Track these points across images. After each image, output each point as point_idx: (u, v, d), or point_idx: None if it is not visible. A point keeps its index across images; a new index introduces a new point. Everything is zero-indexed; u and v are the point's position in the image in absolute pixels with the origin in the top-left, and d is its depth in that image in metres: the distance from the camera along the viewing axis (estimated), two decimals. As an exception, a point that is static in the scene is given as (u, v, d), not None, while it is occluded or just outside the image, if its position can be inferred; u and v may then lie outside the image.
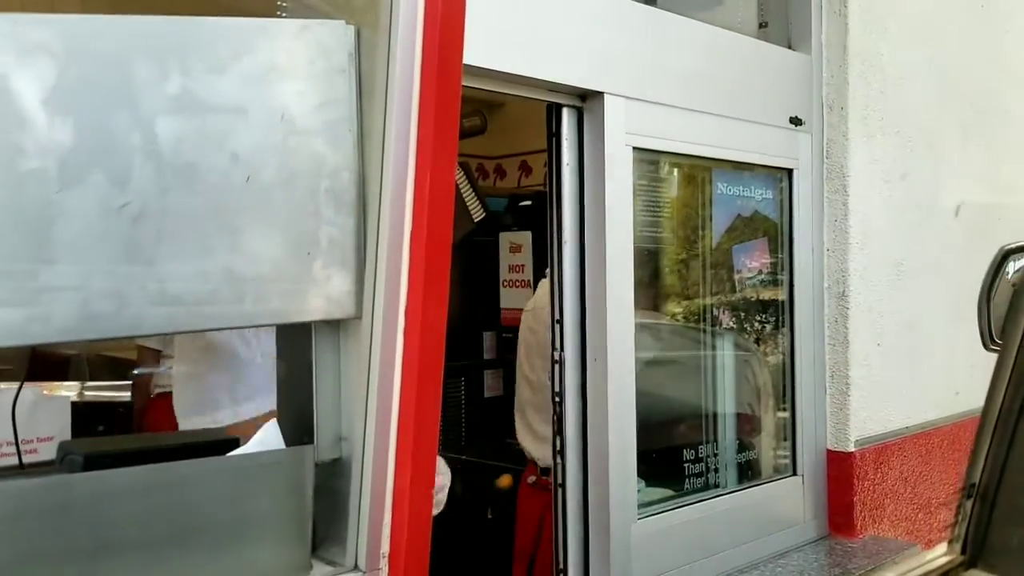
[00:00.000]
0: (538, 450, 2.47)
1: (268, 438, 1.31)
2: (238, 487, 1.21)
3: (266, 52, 1.18)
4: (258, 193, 1.17)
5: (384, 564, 1.29)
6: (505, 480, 2.96)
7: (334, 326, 1.31)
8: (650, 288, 2.30)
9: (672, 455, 2.31)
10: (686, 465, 2.30)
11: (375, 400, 1.28)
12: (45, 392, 2.34)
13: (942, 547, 0.66)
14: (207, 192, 1.13)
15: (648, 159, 2.19)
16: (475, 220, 3.72)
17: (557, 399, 2.02)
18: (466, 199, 3.69)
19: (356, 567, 1.28)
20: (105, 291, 1.04)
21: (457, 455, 3.26)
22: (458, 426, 3.59)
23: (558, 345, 2.03)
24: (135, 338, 2.31)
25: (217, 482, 1.19)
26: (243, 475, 1.23)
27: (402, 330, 1.28)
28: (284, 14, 1.33)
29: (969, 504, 0.65)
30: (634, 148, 2.08)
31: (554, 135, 2.01)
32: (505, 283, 3.77)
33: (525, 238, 3.66)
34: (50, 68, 1.00)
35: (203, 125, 1.12)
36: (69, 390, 2.74)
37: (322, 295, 1.25)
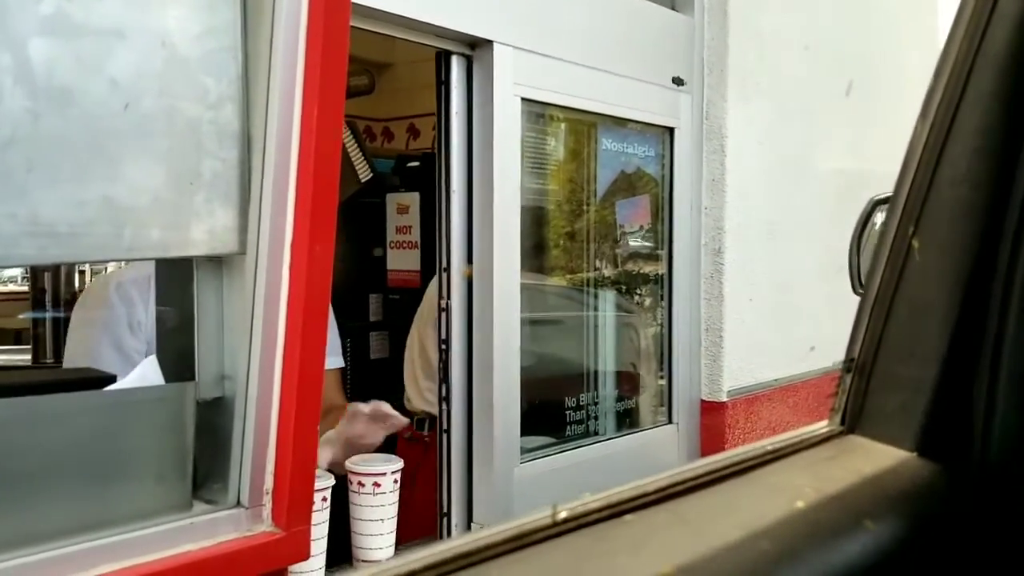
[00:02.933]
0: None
1: (147, 374, 1.28)
2: (115, 423, 1.18)
3: (146, -25, 1.14)
4: (137, 121, 1.13)
5: (268, 500, 1.28)
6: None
7: (217, 262, 1.28)
8: (535, 242, 2.35)
9: (555, 407, 2.37)
10: (567, 412, 2.37)
11: (259, 338, 1.26)
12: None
13: (824, 421, 0.73)
14: (83, 119, 1.08)
15: (536, 111, 2.22)
16: (362, 180, 3.66)
17: (444, 346, 2.05)
18: (353, 159, 3.64)
19: (239, 503, 1.27)
20: (-29, 219, 1.00)
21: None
22: (343, 388, 3.56)
23: (445, 293, 2.05)
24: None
25: (94, 418, 1.16)
26: (121, 411, 1.20)
27: (288, 266, 1.26)
28: (166, -61, 1.28)
29: (849, 378, 0.71)
30: (522, 99, 2.10)
31: (443, 83, 2.02)
32: (392, 245, 3.75)
33: (413, 199, 3.64)
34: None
35: (79, 49, 1.07)
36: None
37: (205, 229, 1.21)
